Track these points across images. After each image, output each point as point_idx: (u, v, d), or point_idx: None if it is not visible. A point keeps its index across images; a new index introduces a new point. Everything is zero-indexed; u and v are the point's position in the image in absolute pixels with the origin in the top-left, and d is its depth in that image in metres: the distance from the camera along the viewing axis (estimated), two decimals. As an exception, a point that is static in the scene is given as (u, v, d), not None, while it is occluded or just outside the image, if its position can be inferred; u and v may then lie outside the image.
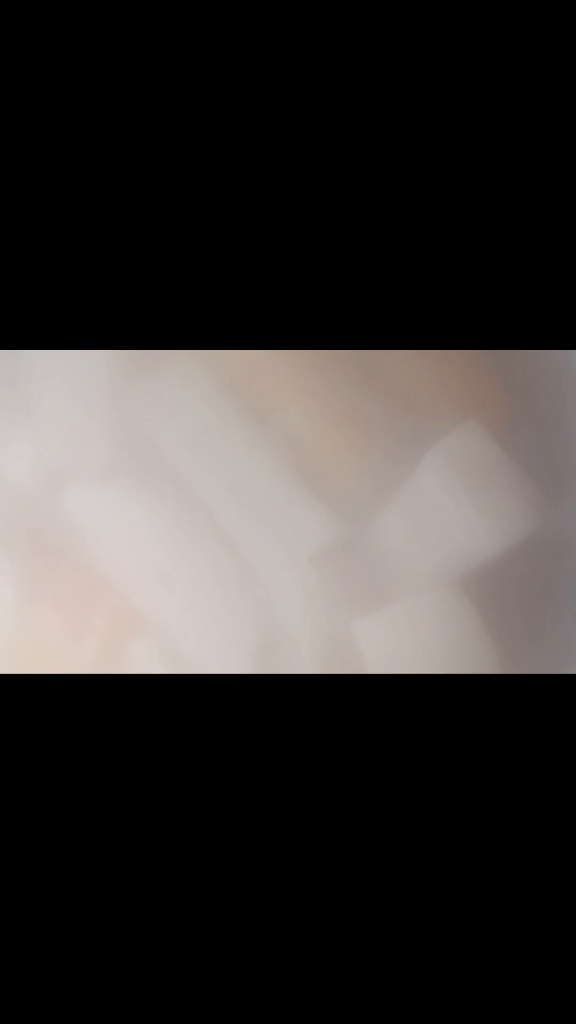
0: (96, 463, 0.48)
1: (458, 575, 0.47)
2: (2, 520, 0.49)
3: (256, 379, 0.47)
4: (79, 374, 0.47)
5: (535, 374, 0.48)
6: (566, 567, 0.48)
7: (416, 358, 0.47)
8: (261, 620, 0.47)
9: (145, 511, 0.47)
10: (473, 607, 0.47)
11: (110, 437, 0.47)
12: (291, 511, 0.47)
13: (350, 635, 0.47)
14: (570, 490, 0.48)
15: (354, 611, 0.47)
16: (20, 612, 0.48)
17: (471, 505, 0.46)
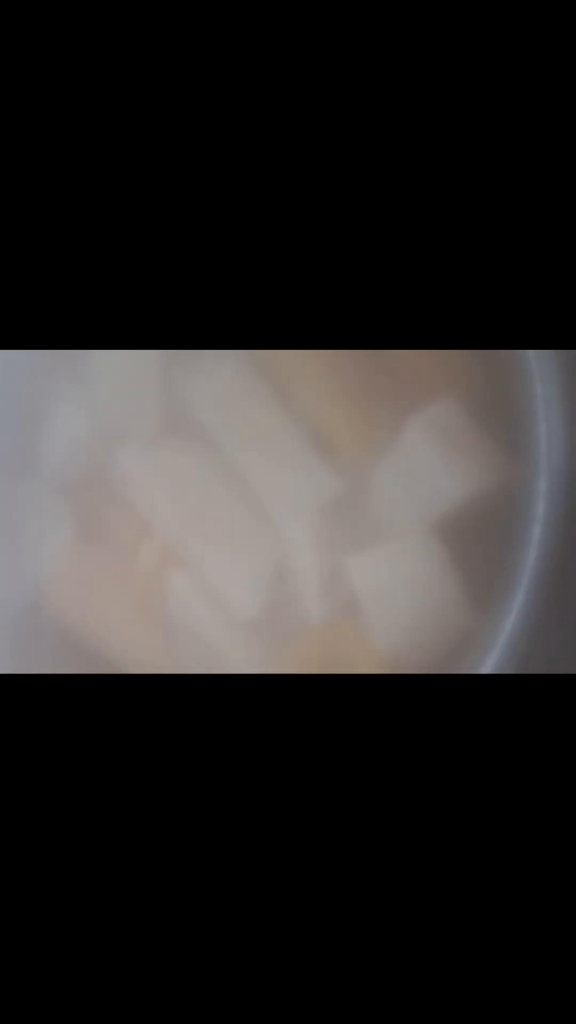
0: (144, 425, 0.51)
1: (431, 520, 0.50)
2: (65, 472, 0.52)
3: (279, 360, 0.50)
4: (132, 352, 0.50)
5: (500, 359, 0.49)
6: (520, 513, 0.49)
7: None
8: (276, 557, 0.51)
9: (184, 466, 0.51)
10: (444, 546, 0.50)
11: (157, 404, 0.51)
12: (303, 468, 0.50)
13: (346, 569, 0.50)
14: (525, 450, 0.49)
15: (350, 550, 0.50)
16: (79, 548, 0.52)
17: (443, 464, 0.49)
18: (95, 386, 0.51)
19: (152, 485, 0.51)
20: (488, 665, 0.47)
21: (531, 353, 0.49)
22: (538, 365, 0.48)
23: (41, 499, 0.52)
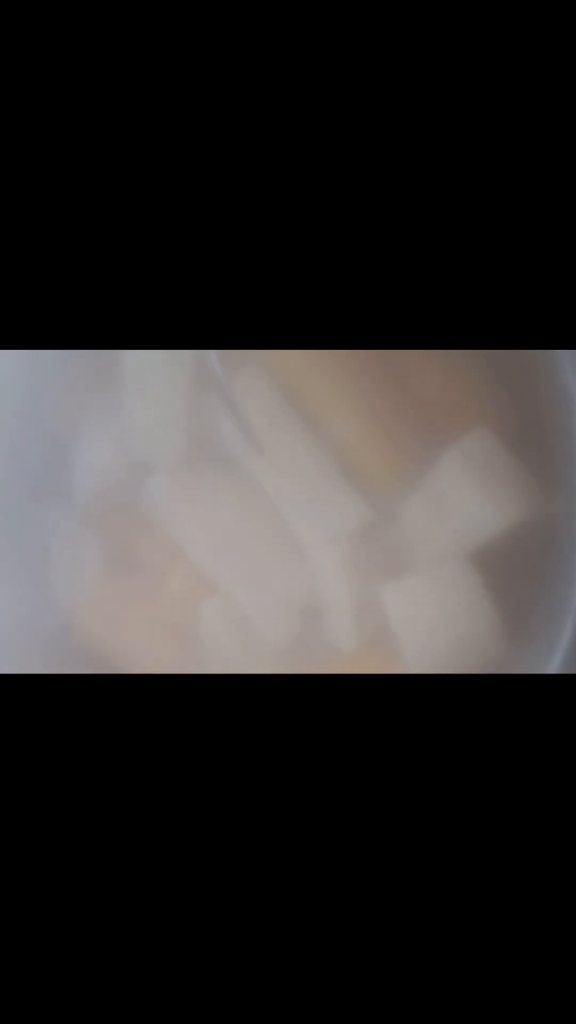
0: (174, 455, 0.51)
1: (467, 551, 0.50)
2: (96, 500, 0.52)
3: (309, 389, 0.50)
4: (162, 382, 0.51)
5: (535, 388, 0.49)
6: (556, 545, 0.49)
7: (439, 373, 0.50)
8: (308, 585, 0.51)
9: (215, 495, 0.51)
10: (479, 576, 0.50)
11: (186, 434, 0.51)
12: (334, 497, 0.50)
13: (379, 598, 0.50)
14: (560, 482, 0.49)
15: (383, 579, 0.50)
16: (109, 576, 0.52)
17: (479, 495, 0.49)
18: (125, 416, 0.52)
19: (182, 513, 0.51)
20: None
21: (574, 384, 0.49)
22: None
23: (72, 527, 0.53)
